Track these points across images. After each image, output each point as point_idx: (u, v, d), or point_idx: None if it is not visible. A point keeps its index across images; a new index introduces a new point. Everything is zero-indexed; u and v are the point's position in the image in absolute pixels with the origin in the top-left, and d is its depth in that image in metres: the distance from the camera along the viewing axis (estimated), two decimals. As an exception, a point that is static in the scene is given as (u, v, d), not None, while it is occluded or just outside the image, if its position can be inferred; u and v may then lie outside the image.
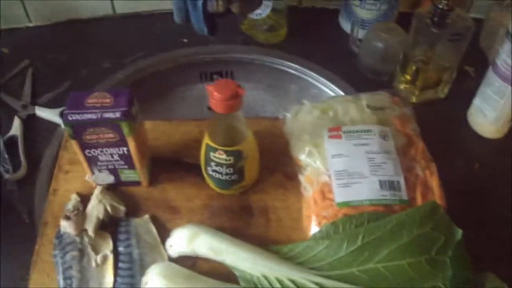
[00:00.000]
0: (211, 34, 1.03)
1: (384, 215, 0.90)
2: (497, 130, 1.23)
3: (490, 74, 1.16)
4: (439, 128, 1.21)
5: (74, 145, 0.95)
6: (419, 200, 0.95)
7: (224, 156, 0.95)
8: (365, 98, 1.09)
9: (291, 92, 1.38)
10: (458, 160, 1.19)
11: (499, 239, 1.04)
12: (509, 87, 1.11)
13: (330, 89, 1.30)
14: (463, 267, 0.86)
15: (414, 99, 1.30)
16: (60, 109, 1.24)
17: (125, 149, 0.96)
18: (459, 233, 0.87)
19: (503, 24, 1.25)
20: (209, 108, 0.90)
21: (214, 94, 0.86)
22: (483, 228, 1.03)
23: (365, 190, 0.95)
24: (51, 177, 1.12)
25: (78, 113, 0.92)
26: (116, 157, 0.99)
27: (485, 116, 1.21)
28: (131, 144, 0.95)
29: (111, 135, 0.94)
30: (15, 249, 1.03)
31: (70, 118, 0.92)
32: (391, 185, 0.95)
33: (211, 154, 0.95)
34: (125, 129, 0.92)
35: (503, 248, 1.03)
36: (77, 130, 0.93)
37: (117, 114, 0.91)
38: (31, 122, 1.21)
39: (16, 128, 1.21)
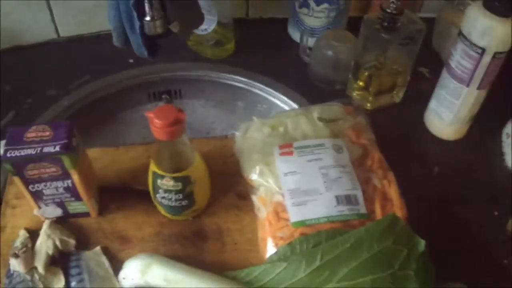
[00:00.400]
0: (152, 56, 1.00)
1: (342, 231, 0.87)
2: (455, 132, 1.22)
3: (445, 75, 1.14)
4: (396, 133, 1.19)
5: (16, 181, 0.91)
6: (378, 212, 0.93)
7: (171, 183, 0.91)
8: (316, 111, 1.07)
9: (240, 108, 1.35)
10: (416, 165, 1.17)
11: (462, 242, 1.03)
12: (465, 87, 1.09)
13: (282, 102, 1.28)
14: (428, 278, 0.84)
15: (368, 106, 1.28)
16: (4, 141, 1.18)
17: (69, 181, 0.93)
18: (422, 244, 0.85)
19: (455, 24, 1.23)
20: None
21: (155, 122, 0.83)
22: (446, 233, 1.02)
23: (321, 207, 0.92)
24: (-1, 214, 1.06)
25: (17, 149, 0.89)
26: (61, 190, 0.95)
27: (442, 118, 1.20)
28: (75, 176, 0.92)
29: (53, 169, 0.90)
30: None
31: (8, 155, 0.88)
32: (348, 200, 0.93)
33: (158, 181, 0.92)
34: (67, 162, 0.89)
35: (467, 252, 1.02)
36: (18, 166, 0.90)
37: (57, 148, 0.88)
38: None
39: (-40, 165, 1.16)
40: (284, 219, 0.92)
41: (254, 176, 0.99)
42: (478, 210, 1.06)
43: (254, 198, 0.99)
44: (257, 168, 0.95)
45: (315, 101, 1.14)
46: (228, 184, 1.03)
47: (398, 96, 1.29)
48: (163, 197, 0.95)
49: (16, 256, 0.93)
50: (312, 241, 0.87)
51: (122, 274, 0.92)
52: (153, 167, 0.92)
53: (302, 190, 0.94)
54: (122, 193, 1.07)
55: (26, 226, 1.02)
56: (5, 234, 1.01)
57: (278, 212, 0.94)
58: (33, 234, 1.00)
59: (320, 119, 1.05)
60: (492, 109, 1.15)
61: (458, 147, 1.21)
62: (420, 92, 1.28)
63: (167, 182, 0.91)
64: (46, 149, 0.88)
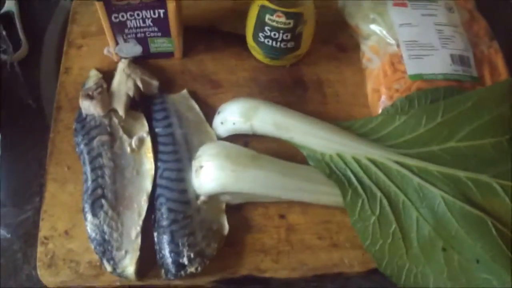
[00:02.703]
0: None
1: (459, 90, 0.81)
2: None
3: None
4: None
5: (99, 8, 0.80)
6: (487, 78, 0.87)
7: (283, 19, 0.81)
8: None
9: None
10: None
11: None
12: None
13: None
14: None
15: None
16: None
17: (162, 11, 0.82)
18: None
19: None
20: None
21: None
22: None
23: (437, 63, 0.85)
24: (58, 55, 0.97)
25: (108, -35, 0.75)
26: (148, 22, 0.84)
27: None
28: (170, 5, 0.81)
29: (147, -6, 0.78)
30: (23, 140, 0.88)
31: (98, -28, 0.75)
32: (462, 60, 0.86)
33: (267, 16, 0.82)
34: (167, -15, 0.76)
35: None
36: (105, -12, 0.76)
37: (158, -35, 0.75)
38: (27, -5, 1.02)
39: (10, 3, 1.03)
40: (400, 71, 0.85)
41: (364, 25, 0.91)
42: None
43: (364, 47, 0.91)
44: (370, 16, 0.89)
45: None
46: (328, 35, 0.95)
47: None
48: (267, 36, 0.85)
49: (90, 97, 0.82)
50: (430, 96, 0.81)
51: (220, 118, 0.82)
52: (261, 1, 0.81)
53: (419, 43, 0.87)
54: (208, 34, 0.96)
55: (96, 67, 0.90)
56: (71, 76, 0.91)
57: (394, 63, 0.86)
58: (105, 75, 0.89)
59: (430, -25, 0.95)
60: None
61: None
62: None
63: (278, 18, 0.81)
64: (144, -34, 0.75)
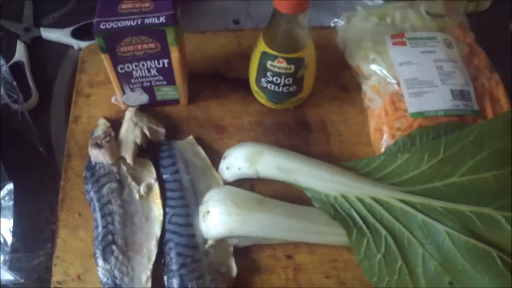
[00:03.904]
0: None
1: (461, 125, 0.82)
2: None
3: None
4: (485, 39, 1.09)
5: (105, 60, 0.82)
6: (489, 111, 0.87)
7: (284, 65, 0.83)
8: (422, 4, 0.99)
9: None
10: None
11: None
12: None
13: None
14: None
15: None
16: (71, 28, 1.10)
17: (166, 61, 0.84)
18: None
19: None
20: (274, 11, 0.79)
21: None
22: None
23: (437, 100, 0.86)
24: (67, 103, 0.99)
25: (113, 21, 0.78)
26: (153, 71, 0.86)
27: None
28: (174, 55, 0.82)
29: (151, 45, 0.81)
30: (35, 187, 0.91)
31: (102, 27, 0.78)
32: (462, 95, 0.87)
33: (269, 62, 0.84)
34: (170, 37, 0.79)
35: None
36: (111, 41, 0.80)
37: (162, 19, 0.78)
38: (36, 46, 1.08)
39: (20, 53, 1.07)
40: (401, 110, 0.86)
41: (364, 65, 0.92)
42: None
43: (366, 87, 0.92)
44: (370, 57, 0.90)
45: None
46: (330, 76, 0.97)
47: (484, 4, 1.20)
48: (270, 82, 0.86)
49: (98, 146, 0.84)
50: (432, 133, 0.82)
51: (225, 163, 0.83)
52: (263, 47, 0.83)
53: (419, 80, 0.88)
54: (212, 80, 0.98)
55: (104, 115, 0.93)
56: (80, 124, 0.94)
57: (395, 102, 0.87)
58: (113, 123, 0.91)
59: (427, 13, 0.97)
60: None
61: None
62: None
63: (279, 64, 0.83)
64: (148, 21, 0.78)
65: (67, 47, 1.10)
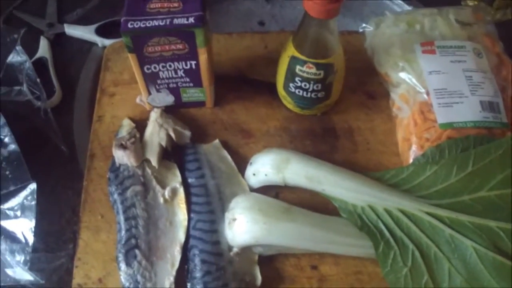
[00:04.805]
0: None
1: (489, 138, 0.81)
2: None
3: None
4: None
5: (131, 59, 0.81)
6: (517, 124, 0.84)
7: (313, 70, 0.82)
8: (451, 12, 0.97)
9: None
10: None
11: None
12: None
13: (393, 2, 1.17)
14: None
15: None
16: (95, 25, 1.09)
17: (193, 63, 0.83)
18: None
19: None
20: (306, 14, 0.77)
21: (316, -4, 0.72)
22: None
23: (467, 111, 0.85)
24: (91, 102, 0.98)
25: (141, 20, 0.77)
26: (180, 73, 0.85)
27: None
28: (202, 57, 0.81)
29: (179, 46, 0.80)
30: (56, 187, 0.90)
31: (130, 26, 0.77)
32: (491, 107, 0.85)
33: (297, 67, 0.82)
34: (199, 38, 0.78)
35: None
36: (138, 41, 0.79)
37: (191, 20, 0.77)
38: (59, 42, 1.07)
39: (43, 49, 1.06)
40: (430, 120, 0.85)
41: (394, 73, 0.91)
42: None
43: (394, 95, 0.91)
44: (400, 65, 0.88)
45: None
46: (357, 82, 0.96)
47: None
48: (298, 87, 0.85)
49: (123, 147, 0.83)
50: (461, 145, 0.81)
51: (252, 169, 0.82)
52: (292, 52, 0.82)
53: (448, 91, 0.86)
54: (239, 83, 0.97)
55: (128, 115, 0.92)
56: (104, 124, 0.92)
57: (424, 112, 0.86)
58: (138, 124, 0.90)
59: (457, 21, 0.95)
60: None
61: None
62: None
63: (308, 69, 0.82)
64: (177, 21, 0.77)
65: (91, 44, 1.09)
